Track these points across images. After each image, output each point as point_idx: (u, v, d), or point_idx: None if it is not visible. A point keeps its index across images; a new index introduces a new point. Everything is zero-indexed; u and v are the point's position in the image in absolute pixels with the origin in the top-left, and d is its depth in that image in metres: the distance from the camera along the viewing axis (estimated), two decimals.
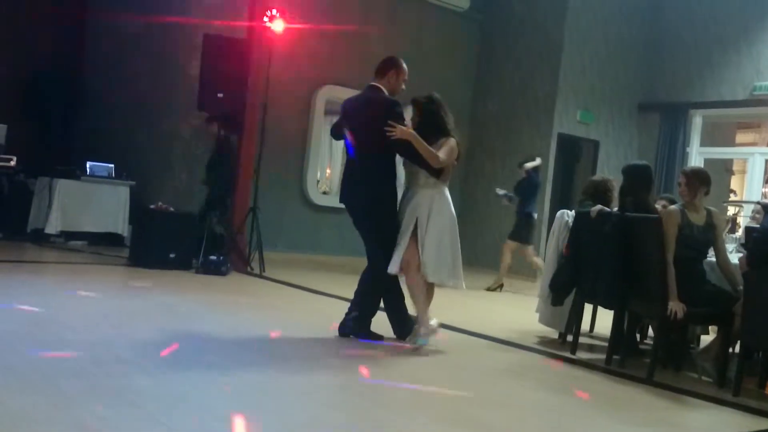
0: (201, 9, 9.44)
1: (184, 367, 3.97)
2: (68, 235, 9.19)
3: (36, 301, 5.37)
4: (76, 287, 6.25)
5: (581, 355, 5.38)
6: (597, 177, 6.41)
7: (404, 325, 5.06)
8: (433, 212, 4.92)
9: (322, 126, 10.38)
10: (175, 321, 5.23)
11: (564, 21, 11.20)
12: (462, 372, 4.65)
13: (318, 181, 10.95)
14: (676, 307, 4.64)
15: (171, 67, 9.75)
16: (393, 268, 4.90)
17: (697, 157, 11.40)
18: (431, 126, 4.98)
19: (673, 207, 5.06)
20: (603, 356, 5.21)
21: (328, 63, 10.39)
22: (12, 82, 10.25)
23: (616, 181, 5.82)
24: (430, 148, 4.85)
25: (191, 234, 7.97)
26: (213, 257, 7.74)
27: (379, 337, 5.06)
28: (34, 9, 10.35)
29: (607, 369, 4.98)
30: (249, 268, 8.15)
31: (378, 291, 5.10)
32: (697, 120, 11.49)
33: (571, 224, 5.70)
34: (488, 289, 8.94)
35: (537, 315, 6.00)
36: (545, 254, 6.41)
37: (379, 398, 3.82)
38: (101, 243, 9.24)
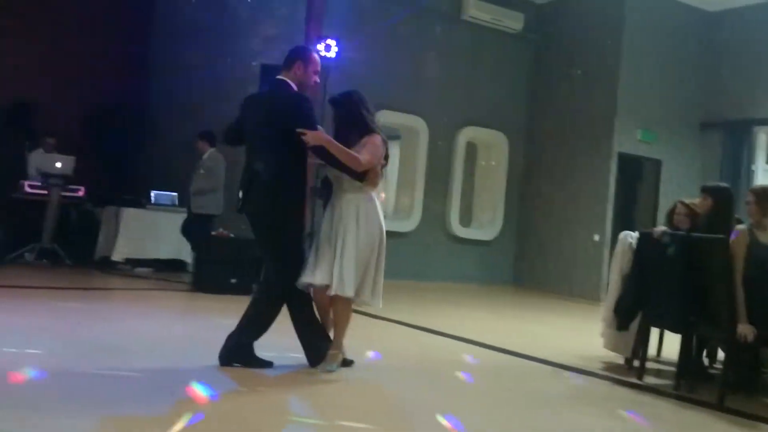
0: (258, 39, 9.66)
1: (244, 391, 4.01)
2: (134, 263, 9.43)
3: (102, 326, 5.52)
4: (140, 313, 6.39)
5: (648, 380, 5.24)
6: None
7: (318, 350, 4.52)
8: (361, 223, 4.48)
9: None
10: None
11: (620, 40, 11.06)
12: (526, 399, 4.57)
13: None
14: (745, 330, 4.49)
15: (230, 97, 9.94)
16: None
17: (762, 174, 11.07)
18: (351, 125, 4.56)
19: (740, 226, 4.92)
20: (671, 381, 5.08)
21: (384, 88, 10.47)
22: (79, 115, 10.64)
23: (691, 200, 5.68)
24: (349, 151, 4.38)
25: (251, 259, 8.08)
26: None
27: (268, 364, 4.52)
28: (100, 44, 10.72)
29: (675, 395, 4.85)
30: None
31: (271, 314, 4.58)
32: (762, 137, 11.18)
33: (635, 246, 5.58)
34: None
35: (602, 340, 5.87)
36: (608, 277, 6.26)
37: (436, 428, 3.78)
38: (166, 269, 9.46)
